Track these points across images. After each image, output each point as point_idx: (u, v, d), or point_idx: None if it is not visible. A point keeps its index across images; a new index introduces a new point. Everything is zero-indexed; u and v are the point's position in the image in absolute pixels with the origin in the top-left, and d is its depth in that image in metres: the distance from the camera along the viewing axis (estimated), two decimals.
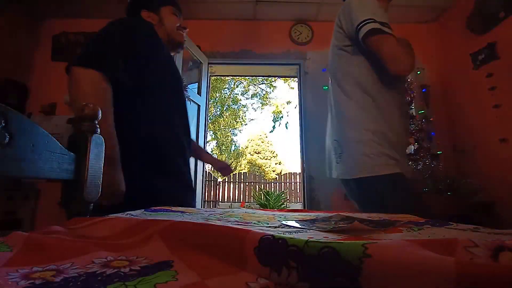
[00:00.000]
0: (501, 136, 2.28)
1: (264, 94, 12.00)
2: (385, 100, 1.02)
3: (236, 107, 12.27)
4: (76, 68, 0.83)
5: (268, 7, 2.95)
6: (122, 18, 1.03)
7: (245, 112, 12.49)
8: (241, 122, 12.59)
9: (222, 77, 10.43)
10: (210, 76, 3.09)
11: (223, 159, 12.69)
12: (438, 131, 2.80)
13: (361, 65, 1.05)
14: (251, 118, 12.96)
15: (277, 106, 11.90)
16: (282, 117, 11.75)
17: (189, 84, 2.34)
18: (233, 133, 12.80)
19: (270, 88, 11.83)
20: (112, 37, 0.90)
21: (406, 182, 0.97)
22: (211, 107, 11.52)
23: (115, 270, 0.25)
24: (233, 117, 12.33)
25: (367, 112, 1.01)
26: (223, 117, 12.24)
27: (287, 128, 11.73)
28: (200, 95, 2.75)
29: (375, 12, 1.00)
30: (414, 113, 2.71)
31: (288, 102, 11.57)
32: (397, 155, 0.99)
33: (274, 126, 11.71)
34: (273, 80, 11.14)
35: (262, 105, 12.26)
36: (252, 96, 12.15)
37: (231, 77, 10.94)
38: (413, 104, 2.69)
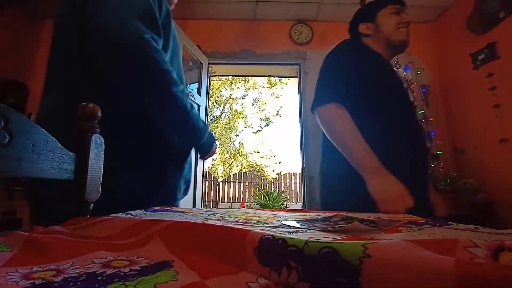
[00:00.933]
0: (501, 136, 2.29)
1: (260, 100, 12.17)
2: None
3: (236, 107, 12.30)
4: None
5: (268, 7, 2.95)
6: (337, 51, 1.09)
7: (245, 116, 12.53)
8: (244, 120, 12.62)
9: (222, 79, 10.47)
10: (210, 76, 3.09)
11: (224, 159, 12.71)
12: (438, 131, 2.80)
13: None
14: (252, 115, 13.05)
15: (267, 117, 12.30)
16: (270, 121, 12.14)
17: (189, 84, 2.34)
18: (234, 133, 12.82)
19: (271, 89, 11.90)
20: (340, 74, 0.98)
21: None
22: (211, 108, 11.53)
23: (115, 270, 0.25)
24: (234, 118, 12.34)
25: None
26: (226, 117, 12.27)
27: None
28: (200, 95, 2.75)
29: None
30: None
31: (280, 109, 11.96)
32: None
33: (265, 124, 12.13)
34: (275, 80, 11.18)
35: (260, 110, 12.45)
36: (253, 104, 12.32)
37: (231, 80, 10.97)
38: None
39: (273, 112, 12.51)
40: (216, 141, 0.88)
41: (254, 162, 13.56)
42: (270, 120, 12.59)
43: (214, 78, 10.00)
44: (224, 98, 11.94)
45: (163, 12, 0.74)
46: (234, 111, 12.28)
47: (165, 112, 0.69)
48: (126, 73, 0.64)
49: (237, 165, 13.00)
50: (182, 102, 0.69)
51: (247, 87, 11.68)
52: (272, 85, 11.49)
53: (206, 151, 0.86)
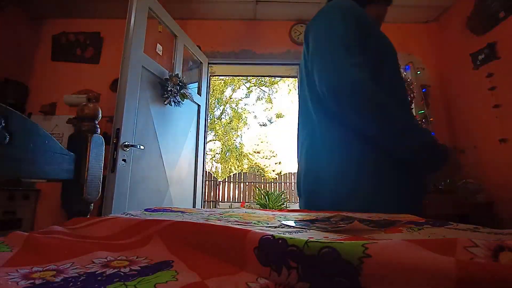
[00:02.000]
0: (501, 136, 2.28)
1: (267, 97, 12.13)
2: None
3: (237, 107, 12.27)
4: None
5: (268, 7, 2.95)
6: None
7: (246, 115, 12.51)
8: (244, 122, 12.60)
9: (224, 80, 10.48)
10: (210, 76, 3.09)
11: (226, 160, 12.71)
12: (438, 131, 2.80)
13: None
14: (254, 116, 13.06)
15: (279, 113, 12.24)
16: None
17: (189, 84, 2.34)
18: (236, 134, 12.79)
19: (272, 90, 11.89)
20: None
21: None
22: (213, 107, 11.52)
23: (115, 270, 0.25)
24: (237, 118, 12.31)
25: None
26: (227, 119, 12.23)
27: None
28: (200, 95, 2.75)
29: None
30: (414, 113, 2.71)
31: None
32: None
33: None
34: (274, 79, 11.15)
35: (266, 109, 12.42)
36: (256, 100, 12.30)
37: (232, 81, 10.95)
38: (413, 104, 2.69)
39: (279, 109, 12.52)
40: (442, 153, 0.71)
41: (254, 163, 13.58)
42: (281, 115, 12.52)
43: (217, 78, 10.02)
44: (224, 98, 11.90)
45: (365, 30, 0.81)
46: (236, 112, 12.23)
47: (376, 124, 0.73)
48: (347, 107, 0.73)
49: (238, 165, 12.99)
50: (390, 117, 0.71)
51: (248, 86, 11.65)
52: (272, 84, 11.46)
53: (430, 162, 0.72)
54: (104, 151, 0.61)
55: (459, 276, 0.17)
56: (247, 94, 12.12)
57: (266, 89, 11.97)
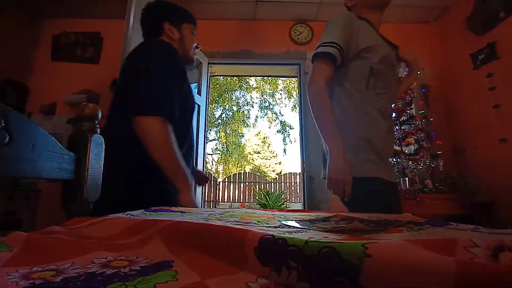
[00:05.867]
0: (501, 136, 2.28)
1: (270, 106, 12.05)
2: (369, 104, 1.00)
3: (241, 110, 12.20)
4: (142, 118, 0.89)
5: (268, 7, 2.95)
6: (157, 49, 1.03)
7: (249, 117, 12.47)
8: (247, 124, 12.57)
9: (228, 80, 10.47)
10: (210, 76, 3.09)
11: (228, 161, 12.70)
12: (438, 131, 2.80)
13: (341, 72, 1.02)
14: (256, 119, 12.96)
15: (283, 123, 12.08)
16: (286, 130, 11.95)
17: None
18: (240, 135, 12.76)
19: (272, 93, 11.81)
20: (166, 80, 0.95)
21: (385, 187, 0.96)
22: (214, 107, 11.50)
23: (115, 270, 0.25)
24: (241, 121, 12.26)
25: (351, 117, 1.00)
26: (234, 119, 12.17)
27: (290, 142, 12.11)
28: (200, 95, 2.75)
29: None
30: (414, 113, 2.71)
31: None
32: (380, 161, 0.98)
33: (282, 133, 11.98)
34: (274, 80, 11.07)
35: (269, 111, 12.29)
36: (261, 109, 12.20)
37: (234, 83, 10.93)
38: (413, 104, 2.69)
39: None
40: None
41: (256, 165, 13.58)
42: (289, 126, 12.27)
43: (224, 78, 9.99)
44: (232, 99, 11.84)
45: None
46: (241, 113, 12.17)
47: None
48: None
49: (239, 166, 12.99)
50: None
51: (247, 87, 11.60)
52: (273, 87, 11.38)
53: None
54: (104, 151, 0.61)
55: (459, 276, 0.17)
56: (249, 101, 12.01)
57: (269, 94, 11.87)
